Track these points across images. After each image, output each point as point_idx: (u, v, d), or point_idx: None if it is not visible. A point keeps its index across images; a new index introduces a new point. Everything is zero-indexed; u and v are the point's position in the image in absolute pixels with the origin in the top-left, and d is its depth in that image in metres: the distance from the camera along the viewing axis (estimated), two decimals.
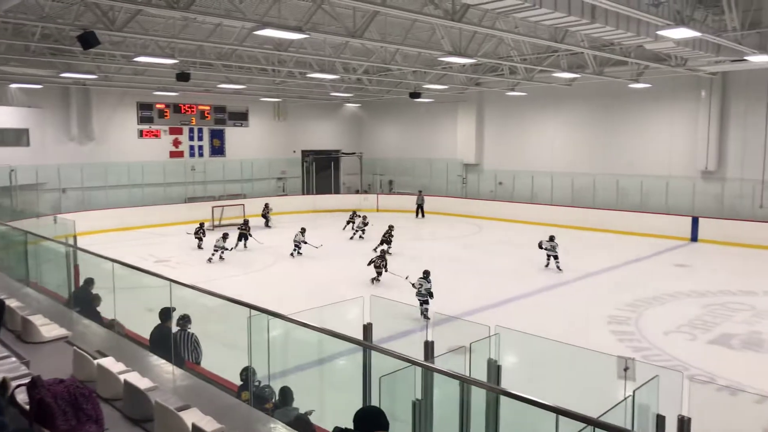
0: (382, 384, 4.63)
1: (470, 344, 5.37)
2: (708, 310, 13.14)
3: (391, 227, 20.27)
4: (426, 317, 11.86)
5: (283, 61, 21.01)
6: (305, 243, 19.43)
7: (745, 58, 15.93)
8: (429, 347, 5.79)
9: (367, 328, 6.17)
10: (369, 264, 15.71)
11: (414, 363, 4.51)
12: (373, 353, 5.77)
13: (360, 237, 22.56)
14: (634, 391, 4.59)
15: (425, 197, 29.72)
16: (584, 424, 3.75)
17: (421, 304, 12.18)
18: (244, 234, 20.89)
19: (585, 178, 26.36)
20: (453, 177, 31.80)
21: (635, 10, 10.67)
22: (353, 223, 23.81)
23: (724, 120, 22.74)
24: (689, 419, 4.39)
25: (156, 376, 4.66)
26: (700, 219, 22.18)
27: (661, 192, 23.89)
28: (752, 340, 11.23)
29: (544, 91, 26.02)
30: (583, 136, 27.13)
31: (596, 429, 3.85)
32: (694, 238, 22.11)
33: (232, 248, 19.49)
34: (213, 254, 18.85)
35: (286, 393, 6.56)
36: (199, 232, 20.87)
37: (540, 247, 17.41)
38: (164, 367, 5.10)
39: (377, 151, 35.56)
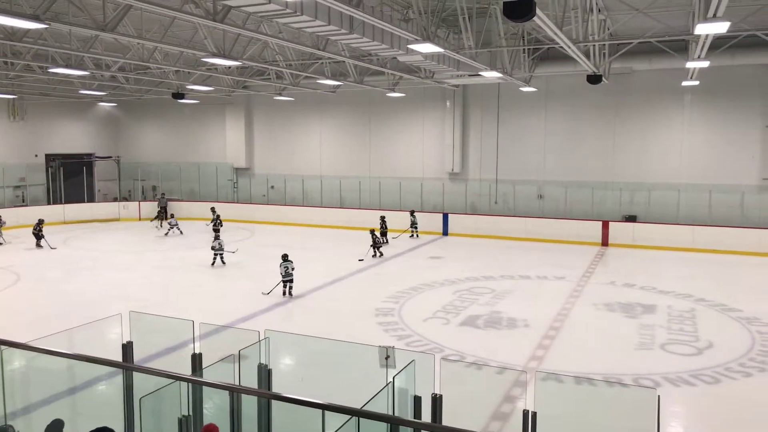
0: (144, 404, 4.33)
1: (239, 351, 5.29)
2: (458, 296, 14.80)
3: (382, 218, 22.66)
4: (291, 294, 14.65)
5: (18, 53, 18.34)
6: (225, 250, 18.74)
7: (480, 73, 18.29)
8: (197, 360, 5.56)
9: (127, 348, 5.71)
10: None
11: (177, 378, 4.30)
12: (135, 373, 5.37)
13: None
14: (393, 378, 4.97)
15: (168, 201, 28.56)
16: (349, 416, 3.97)
17: (289, 283, 14.66)
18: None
19: (351, 180, 27.77)
20: (223, 181, 30.99)
21: (388, 24, 11.58)
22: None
23: (465, 127, 25.89)
24: (441, 396, 4.91)
25: None
26: (450, 215, 24.89)
27: (417, 192, 26.27)
28: (493, 319, 12.95)
29: (311, 96, 26.78)
30: (348, 141, 28.53)
31: (360, 418, 4.10)
32: (445, 232, 24.71)
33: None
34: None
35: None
36: None
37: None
38: None
39: (138, 154, 33.05)
